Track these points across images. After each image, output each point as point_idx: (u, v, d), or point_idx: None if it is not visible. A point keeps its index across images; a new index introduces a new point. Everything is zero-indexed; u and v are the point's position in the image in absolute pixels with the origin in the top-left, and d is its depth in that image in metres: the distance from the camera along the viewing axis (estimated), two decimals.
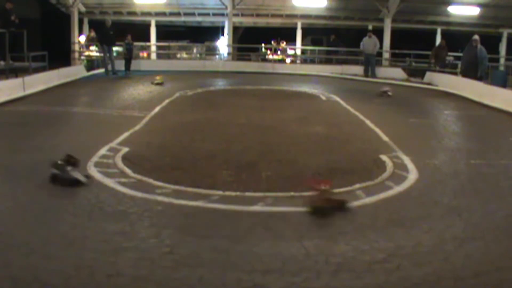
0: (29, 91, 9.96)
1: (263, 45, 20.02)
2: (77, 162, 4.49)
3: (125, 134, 6.42)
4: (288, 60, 20.22)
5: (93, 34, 17.14)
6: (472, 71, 12.04)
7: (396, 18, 18.97)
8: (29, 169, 4.79)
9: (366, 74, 15.67)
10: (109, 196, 4.13)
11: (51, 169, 4.34)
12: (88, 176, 4.47)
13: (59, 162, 4.38)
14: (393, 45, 18.89)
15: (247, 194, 4.25)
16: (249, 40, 20.58)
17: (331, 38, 19.09)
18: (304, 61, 20.70)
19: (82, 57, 17.51)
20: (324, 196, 3.76)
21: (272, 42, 20.26)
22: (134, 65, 15.57)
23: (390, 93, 11.48)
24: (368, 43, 15.51)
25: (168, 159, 5.37)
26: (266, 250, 3.16)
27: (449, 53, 15.91)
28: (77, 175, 4.36)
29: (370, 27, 19.18)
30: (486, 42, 12.79)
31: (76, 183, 4.29)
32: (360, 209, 3.98)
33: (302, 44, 21.11)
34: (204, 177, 4.68)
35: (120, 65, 14.93)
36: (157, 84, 11.99)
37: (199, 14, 20.12)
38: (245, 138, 6.43)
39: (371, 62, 15.71)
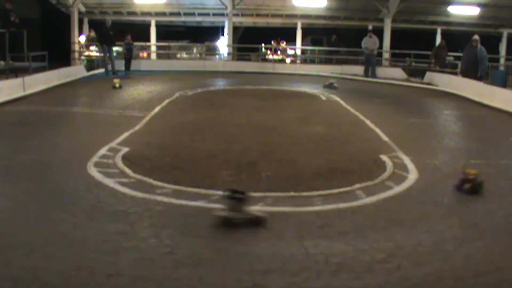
0: (29, 91, 9.96)
1: (263, 45, 20.00)
2: (245, 195, 3.64)
3: (125, 134, 6.42)
4: (288, 60, 20.19)
5: (93, 34, 17.14)
6: (472, 71, 12.04)
7: (396, 18, 18.96)
8: (29, 169, 4.80)
9: (366, 74, 15.65)
10: (109, 196, 4.13)
11: (221, 212, 3.60)
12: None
13: (229, 201, 3.60)
14: (393, 45, 18.87)
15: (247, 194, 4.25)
16: (249, 40, 20.56)
17: (332, 38, 19.09)
18: (304, 61, 20.69)
19: (82, 57, 17.51)
20: (471, 179, 4.38)
21: (272, 42, 20.24)
22: (134, 65, 15.58)
23: (336, 85, 12.42)
24: (369, 43, 15.49)
25: (168, 159, 5.38)
26: (266, 250, 3.16)
27: (449, 53, 15.90)
28: (254, 211, 3.68)
29: (370, 27, 19.15)
30: (486, 42, 12.79)
31: (256, 221, 3.59)
32: (360, 209, 3.98)
33: (302, 44, 21.10)
34: (204, 177, 4.68)
35: (120, 65, 14.93)
36: (118, 88, 11.32)
37: (199, 14, 20.11)
38: (245, 138, 6.43)
39: (371, 62, 15.70)
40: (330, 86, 12.40)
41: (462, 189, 4.39)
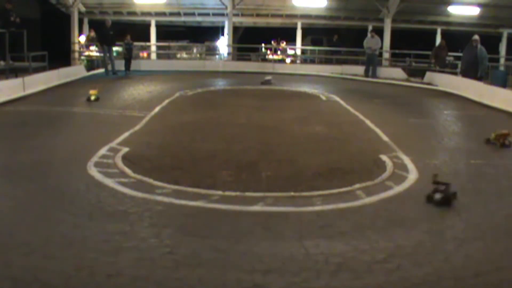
0: (29, 91, 9.96)
1: (263, 45, 20.01)
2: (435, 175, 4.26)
3: (125, 134, 6.42)
4: (288, 60, 20.20)
5: (93, 34, 17.15)
6: (472, 71, 12.04)
7: (396, 18, 18.95)
8: (29, 169, 4.80)
9: (366, 74, 15.63)
10: (109, 196, 4.13)
11: (438, 196, 4.04)
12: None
13: (438, 186, 4.12)
14: (393, 45, 18.87)
15: (247, 194, 4.25)
16: (249, 40, 20.57)
17: (334, 38, 19.10)
18: (304, 61, 20.70)
19: (82, 57, 17.51)
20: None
21: (272, 42, 20.25)
22: (134, 65, 15.57)
23: (272, 81, 12.95)
24: (371, 43, 15.47)
25: (168, 159, 5.38)
26: (266, 250, 3.16)
27: (449, 53, 15.90)
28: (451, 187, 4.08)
29: (370, 27, 19.16)
30: (486, 42, 12.79)
31: (455, 196, 4.06)
32: (360, 209, 3.98)
33: (302, 44, 21.10)
34: (204, 177, 4.68)
35: (120, 65, 14.93)
36: (94, 100, 9.17)
37: (199, 14, 20.11)
38: (245, 138, 6.43)
39: (373, 62, 15.67)
40: (267, 83, 12.75)
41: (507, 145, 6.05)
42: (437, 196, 4.05)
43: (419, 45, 17.93)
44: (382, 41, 17.67)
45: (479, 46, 11.91)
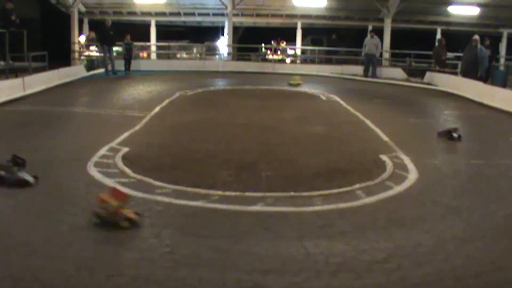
0: (29, 91, 9.96)
1: (263, 45, 20.02)
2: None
3: (125, 134, 6.42)
4: (288, 60, 20.21)
5: (93, 35, 17.16)
6: (472, 71, 12.05)
7: (396, 18, 18.95)
8: (29, 169, 4.78)
9: (365, 74, 15.61)
10: None
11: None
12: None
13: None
14: (393, 45, 18.87)
15: (247, 194, 4.25)
16: (249, 40, 20.57)
17: (332, 36, 19.13)
18: (304, 61, 20.70)
19: (82, 57, 17.51)
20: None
21: (272, 42, 20.25)
22: (134, 65, 15.57)
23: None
24: (370, 43, 15.46)
25: (168, 159, 5.37)
26: (266, 250, 3.16)
27: (449, 53, 15.88)
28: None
29: (370, 27, 19.16)
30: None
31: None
32: (360, 209, 3.98)
33: (302, 44, 21.11)
34: (204, 177, 4.68)
35: (120, 65, 14.93)
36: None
37: (199, 14, 20.11)
38: (245, 138, 6.44)
39: (372, 62, 15.62)
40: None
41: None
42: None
43: (419, 45, 17.92)
44: (382, 41, 17.66)
45: (479, 46, 11.92)
